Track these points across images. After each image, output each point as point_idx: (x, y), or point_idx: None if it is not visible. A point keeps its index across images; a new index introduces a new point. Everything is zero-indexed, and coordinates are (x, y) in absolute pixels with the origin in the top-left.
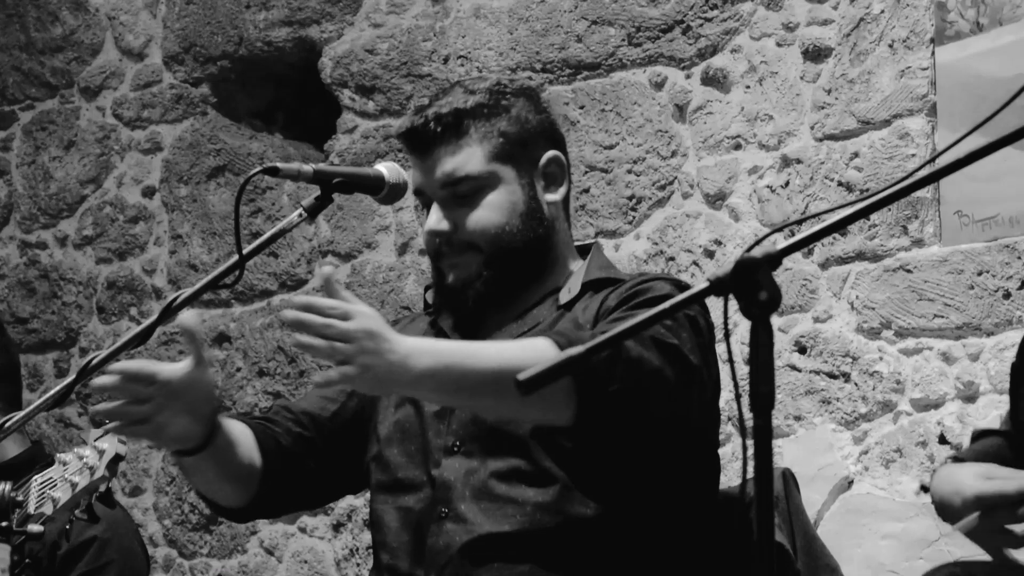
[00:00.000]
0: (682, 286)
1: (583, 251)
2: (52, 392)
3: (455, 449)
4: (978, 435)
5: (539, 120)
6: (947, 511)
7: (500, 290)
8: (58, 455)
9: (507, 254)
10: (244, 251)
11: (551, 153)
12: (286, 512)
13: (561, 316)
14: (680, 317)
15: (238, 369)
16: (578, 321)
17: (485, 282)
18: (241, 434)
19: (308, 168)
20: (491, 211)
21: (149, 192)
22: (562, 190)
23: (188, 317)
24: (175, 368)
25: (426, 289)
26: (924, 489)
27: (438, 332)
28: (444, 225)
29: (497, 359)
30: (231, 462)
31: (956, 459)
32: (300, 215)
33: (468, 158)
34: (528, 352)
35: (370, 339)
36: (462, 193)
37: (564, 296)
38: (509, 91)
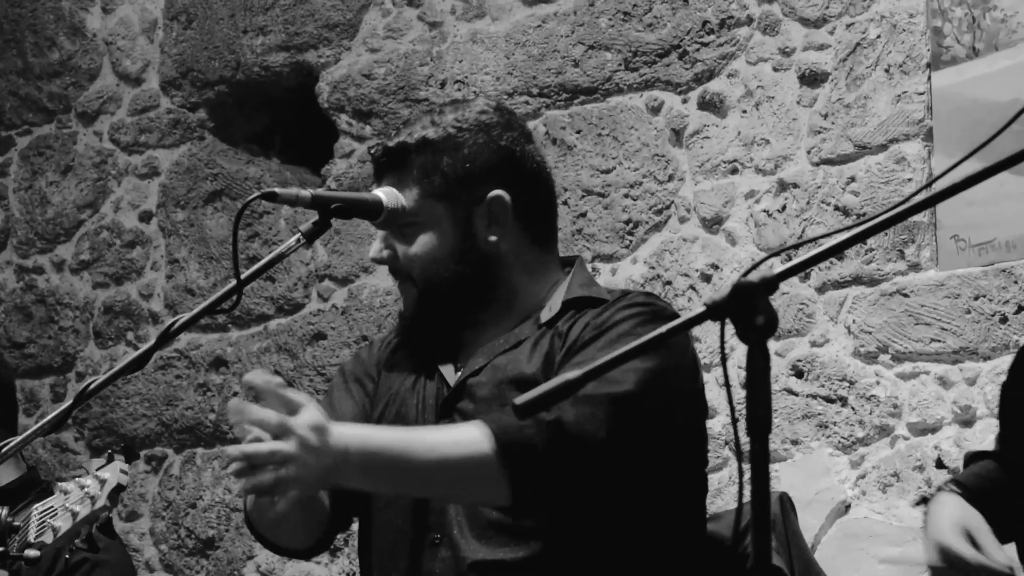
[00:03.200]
0: (658, 310)
1: (568, 265)
2: (49, 417)
3: None
4: (971, 457)
5: (490, 159)
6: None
7: (432, 325)
8: (59, 484)
9: (437, 292)
10: (242, 276)
11: (494, 193)
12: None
13: (543, 335)
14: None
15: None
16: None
17: (416, 315)
18: None
19: (306, 193)
20: (421, 248)
21: (146, 217)
22: (499, 232)
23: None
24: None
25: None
26: (924, 501)
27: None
28: (382, 254)
29: (431, 454)
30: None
31: (956, 482)
32: (298, 240)
33: (404, 195)
34: (463, 446)
35: (308, 452)
36: (400, 227)
37: (545, 315)
38: (467, 126)
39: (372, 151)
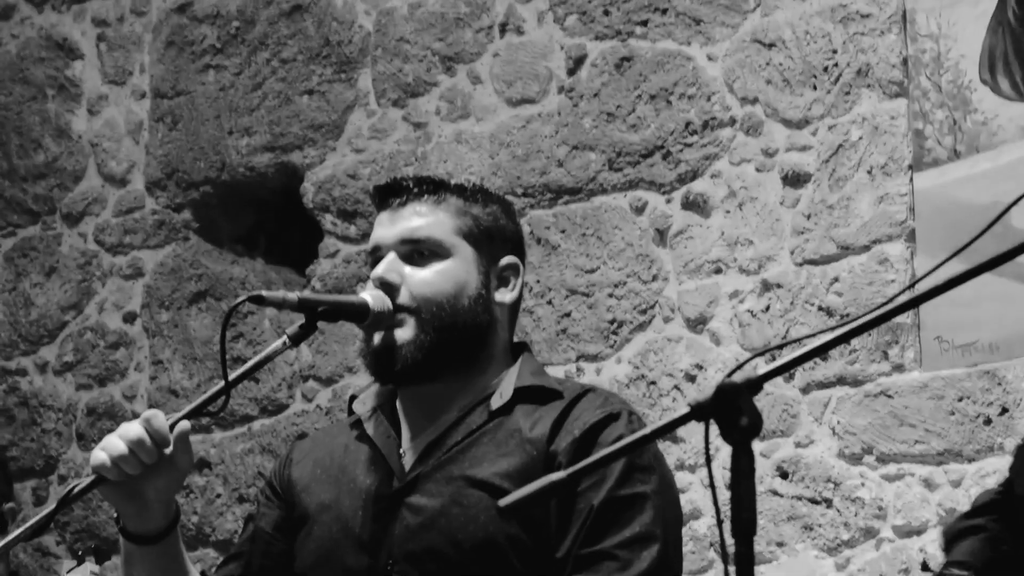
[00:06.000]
0: (637, 426)
1: (516, 352)
2: (32, 521)
3: (389, 569)
4: (953, 536)
5: (511, 228)
6: None
7: (429, 362)
8: None
9: (445, 327)
10: (230, 378)
11: (512, 258)
12: None
13: (497, 427)
14: (650, 519)
15: (218, 495)
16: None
17: (418, 346)
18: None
19: (293, 297)
20: (442, 278)
21: (130, 318)
22: (512, 295)
23: (184, 424)
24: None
25: (351, 399)
26: (925, 567)
27: (363, 439)
28: (393, 276)
29: None
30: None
31: (958, 563)
32: (284, 343)
33: (437, 223)
34: None
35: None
36: (420, 254)
37: (496, 401)
38: (491, 193)
39: (396, 179)
